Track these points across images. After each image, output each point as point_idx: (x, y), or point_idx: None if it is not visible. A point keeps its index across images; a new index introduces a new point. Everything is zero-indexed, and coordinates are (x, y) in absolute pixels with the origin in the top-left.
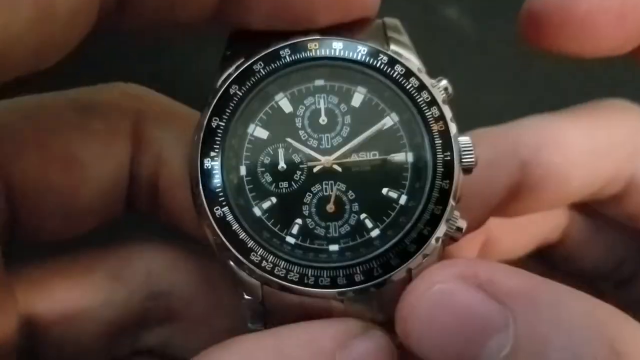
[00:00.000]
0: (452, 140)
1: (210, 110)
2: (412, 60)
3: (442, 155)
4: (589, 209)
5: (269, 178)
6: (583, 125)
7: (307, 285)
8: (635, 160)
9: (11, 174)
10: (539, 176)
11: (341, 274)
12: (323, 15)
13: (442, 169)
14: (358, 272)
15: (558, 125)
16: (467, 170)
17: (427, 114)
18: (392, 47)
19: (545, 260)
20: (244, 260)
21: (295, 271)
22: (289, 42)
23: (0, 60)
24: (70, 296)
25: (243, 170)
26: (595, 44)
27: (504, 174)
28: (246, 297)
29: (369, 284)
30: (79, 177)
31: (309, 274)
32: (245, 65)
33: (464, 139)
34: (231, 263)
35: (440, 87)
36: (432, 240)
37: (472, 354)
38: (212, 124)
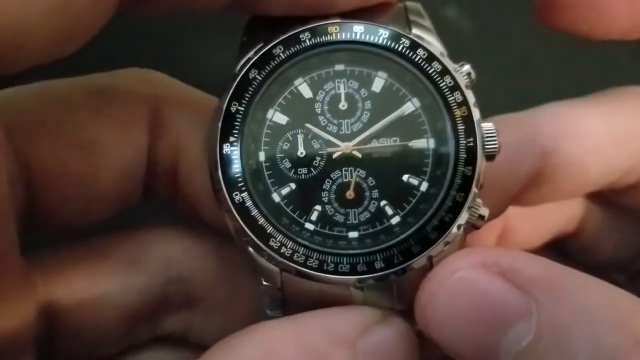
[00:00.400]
0: (475, 126)
1: (230, 94)
2: (435, 45)
3: (464, 141)
4: (605, 200)
5: (288, 164)
6: (603, 113)
7: (326, 271)
8: None
9: (29, 160)
10: (558, 165)
11: (361, 261)
12: (341, 5)
13: (464, 155)
14: (378, 259)
15: (578, 112)
16: (490, 157)
17: (449, 99)
18: (414, 30)
19: (561, 252)
20: (263, 246)
21: (314, 257)
22: (309, 26)
23: (20, 49)
24: (88, 282)
25: (262, 156)
26: (605, 26)
27: (525, 161)
28: (265, 283)
29: (389, 271)
30: (97, 162)
31: (329, 261)
32: (265, 49)
33: (488, 125)
34: (250, 249)
35: (463, 72)
36: (454, 228)
37: (493, 343)
38: (232, 108)
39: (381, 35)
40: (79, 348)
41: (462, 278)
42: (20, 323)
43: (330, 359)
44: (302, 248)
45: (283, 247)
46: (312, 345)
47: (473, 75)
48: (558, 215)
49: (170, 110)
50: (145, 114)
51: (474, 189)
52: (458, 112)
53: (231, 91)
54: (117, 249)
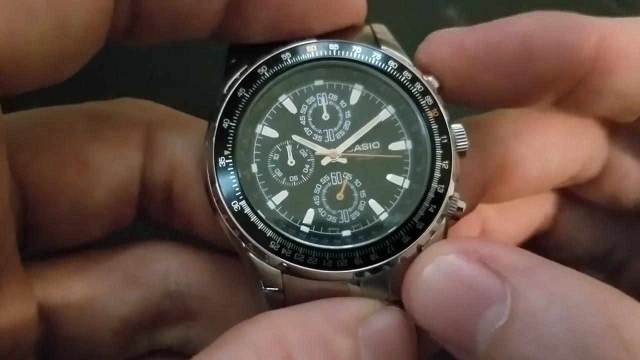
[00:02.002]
0: (447, 125)
1: (221, 112)
2: (403, 58)
3: (439, 139)
4: (575, 197)
5: (279, 173)
6: (558, 114)
7: (325, 267)
8: (610, 143)
9: (26, 177)
10: (521, 156)
11: (357, 255)
12: (317, 25)
13: (440, 151)
14: (373, 251)
15: (536, 114)
16: (461, 154)
17: (422, 103)
18: (383, 47)
19: (538, 249)
20: (264, 250)
21: (313, 255)
22: (289, 47)
23: (17, 70)
24: (85, 293)
25: (254, 168)
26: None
27: (491, 157)
28: (266, 288)
29: (384, 262)
30: (92, 180)
31: (327, 257)
32: (251, 69)
33: (457, 126)
34: (251, 254)
35: (429, 80)
36: (437, 217)
37: (470, 324)
38: (224, 125)
39: (355, 50)
40: (75, 358)
41: (443, 261)
42: (21, 328)
43: (334, 345)
44: (301, 247)
45: (283, 249)
46: (317, 332)
47: (436, 84)
48: (533, 214)
49: (163, 133)
50: (139, 137)
51: (452, 181)
52: (430, 114)
53: (222, 109)
54: (115, 261)
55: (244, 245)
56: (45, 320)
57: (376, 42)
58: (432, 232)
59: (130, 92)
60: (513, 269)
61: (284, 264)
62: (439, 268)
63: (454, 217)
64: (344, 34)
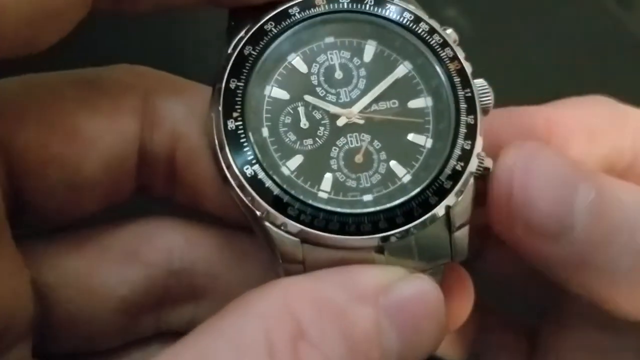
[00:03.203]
0: (470, 78)
1: (227, 72)
2: (418, 10)
3: (462, 92)
4: None
5: (292, 137)
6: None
7: (348, 233)
8: None
9: (12, 148)
10: None
11: (382, 217)
12: None
13: (465, 105)
14: (399, 214)
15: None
16: (485, 110)
17: (442, 55)
18: (396, 1)
19: None
20: (282, 216)
21: (335, 220)
22: (297, 1)
23: None
24: (82, 271)
25: (265, 132)
26: None
27: None
28: (284, 263)
29: (411, 225)
30: (82, 150)
31: (350, 222)
32: (257, 25)
33: (480, 81)
34: (267, 224)
35: (449, 33)
36: (466, 174)
37: (569, 198)
38: (231, 85)
39: (367, 2)
40: (74, 339)
41: (534, 145)
42: (13, 306)
43: (350, 315)
44: (322, 212)
45: (302, 214)
46: (330, 301)
47: (456, 37)
48: None
49: (162, 100)
50: (135, 105)
51: (479, 136)
52: (452, 66)
53: (229, 68)
54: (113, 238)
55: (258, 214)
56: (41, 299)
57: None
58: (461, 192)
59: (124, 61)
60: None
61: (304, 231)
62: (533, 149)
63: (482, 177)
64: None
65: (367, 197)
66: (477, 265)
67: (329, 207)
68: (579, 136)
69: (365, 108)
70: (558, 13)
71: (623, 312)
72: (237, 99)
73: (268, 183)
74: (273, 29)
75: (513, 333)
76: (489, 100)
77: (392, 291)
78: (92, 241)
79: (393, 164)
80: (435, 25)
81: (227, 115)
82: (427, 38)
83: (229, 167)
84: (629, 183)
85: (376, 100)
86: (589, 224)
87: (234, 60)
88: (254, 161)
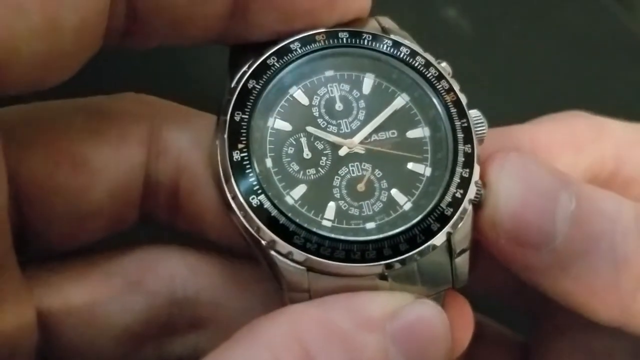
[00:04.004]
0: (466, 109)
1: (232, 105)
2: (414, 45)
3: (459, 122)
4: None
5: (295, 167)
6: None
7: (354, 260)
8: None
9: (18, 175)
10: None
11: (386, 245)
12: (323, 20)
13: (462, 135)
14: (402, 241)
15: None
16: (480, 140)
17: (438, 87)
18: (392, 36)
19: None
20: (288, 245)
21: (340, 248)
22: (298, 37)
23: (5, 69)
24: (85, 299)
25: (269, 162)
26: None
27: None
28: (289, 291)
29: (414, 251)
30: (88, 179)
31: (355, 249)
32: (260, 60)
33: (474, 112)
34: (273, 253)
35: (443, 66)
36: (466, 201)
37: (550, 208)
38: (236, 117)
39: (365, 38)
40: None
41: (517, 157)
42: (19, 334)
43: (358, 342)
44: (327, 240)
45: (308, 243)
46: (337, 328)
47: (449, 70)
48: None
49: (168, 129)
50: (142, 134)
51: (477, 164)
52: (448, 98)
53: (233, 101)
54: (116, 266)
55: (264, 243)
56: (44, 327)
57: (384, 31)
58: (461, 219)
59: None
60: (557, 170)
61: (310, 259)
62: (518, 159)
63: (478, 204)
64: (349, 27)
65: (370, 225)
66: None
67: (333, 235)
68: (565, 149)
69: (366, 138)
70: (558, 13)
71: (603, 319)
72: (242, 130)
73: (274, 212)
74: (275, 63)
75: (505, 346)
76: (483, 130)
77: (399, 317)
78: (95, 269)
79: (394, 192)
80: (431, 58)
81: (233, 147)
82: (423, 71)
83: (234, 197)
84: (610, 192)
85: (376, 130)
86: (570, 234)
87: (238, 94)
88: (259, 191)
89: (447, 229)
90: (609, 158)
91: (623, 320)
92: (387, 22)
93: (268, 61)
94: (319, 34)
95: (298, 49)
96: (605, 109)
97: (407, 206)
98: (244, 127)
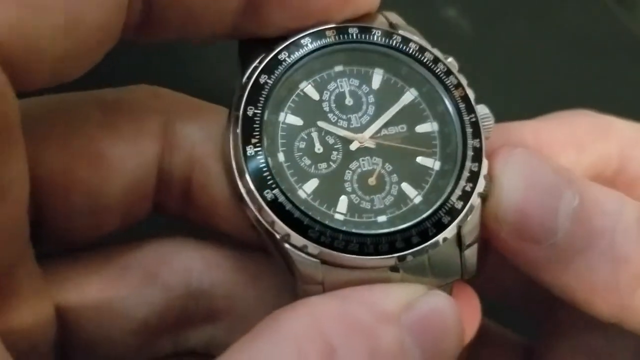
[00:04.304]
0: (474, 104)
1: (244, 99)
2: (422, 41)
3: (467, 117)
4: None
5: (307, 161)
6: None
7: (367, 254)
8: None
9: (35, 169)
10: None
11: (399, 238)
12: (335, 17)
13: (470, 130)
14: (414, 234)
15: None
16: (486, 136)
17: (447, 82)
18: (400, 32)
19: None
20: (303, 238)
21: (354, 241)
22: (308, 32)
23: (27, 66)
24: (102, 293)
25: (281, 157)
26: None
27: None
28: (303, 285)
29: (426, 244)
30: (105, 173)
31: (368, 242)
32: (271, 55)
33: (481, 107)
34: (287, 246)
35: (450, 61)
36: (475, 195)
37: (553, 204)
38: (248, 112)
39: (375, 33)
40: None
41: (522, 152)
42: (38, 328)
43: (376, 334)
44: (341, 234)
45: (322, 236)
46: (356, 320)
47: (456, 65)
48: None
49: (182, 123)
50: (156, 127)
51: (485, 159)
52: (456, 93)
53: (245, 96)
54: (133, 260)
55: (278, 236)
56: (62, 322)
57: (392, 26)
58: (470, 212)
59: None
60: (562, 167)
61: (324, 252)
62: (521, 155)
63: (485, 198)
64: (358, 22)
65: (382, 218)
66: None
67: (346, 229)
68: (567, 147)
69: (376, 133)
70: (558, 13)
71: (602, 315)
72: (255, 125)
73: (288, 206)
74: (287, 58)
75: (507, 347)
76: (490, 125)
77: (413, 308)
78: (111, 262)
79: (404, 185)
80: (439, 54)
81: (246, 142)
82: (432, 66)
83: (248, 191)
84: (613, 191)
85: (385, 125)
86: (571, 230)
87: (250, 89)
88: (273, 185)
89: (457, 222)
90: (614, 157)
91: (622, 316)
92: (394, 17)
93: (279, 56)
94: (329, 29)
95: (308, 44)
96: (605, 109)
97: (417, 199)
98: (257, 122)
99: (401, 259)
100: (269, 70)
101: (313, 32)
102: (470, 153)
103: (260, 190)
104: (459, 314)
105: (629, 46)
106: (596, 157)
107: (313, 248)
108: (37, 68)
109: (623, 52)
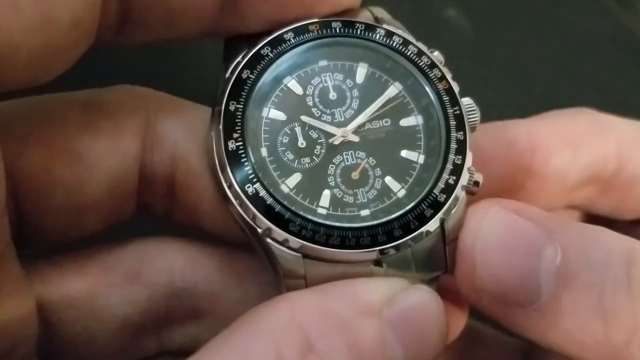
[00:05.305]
0: (458, 97)
1: (227, 95)
2: (406, 34)
3: (451, 110)
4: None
5: (290, 156)
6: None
7: (348, 247)
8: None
9: (15, 169)
10: (534, 174)
11: (380, 231)
12: (316, 10)
13: (454, 122)
14: (396, 227)
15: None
16: (472, 128)
17: (430, 75)
18: (385, 26)
19: None
20: (284, 232)
21: (335, 235)
22: (291, 27)
23: (4, 65)
24: (85, 292)
25: (264, 152)
26: None
27: (499, 166)
28: (285, 279)
29: (408, 237)
30: (84, 172)
31: (350, 236)
32: (254, 50)
33: (467, 100)
34: (268, 240)
35: (435, 54)
36: (458, 188)
37: (534, 268)
38: (230, 107)
39: (358, 27)
40: (78, 359)
41: (496, 212)
42: (20, 326)
43: (355, 328)
44: (322, 227)
45: (303, 230)
46: (336, 314)
47: (442, 58)
48: None
49: (163, 121)
50: (136, 126)
51: (469, 151)
52: (440, 86)
53: (227, 91)
54: (116, 258)
55: (259, 231)
56: (44, 319)
57: (377, 21)
58: (454, 205)
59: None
60: (545, 218)
61: (305, 246)
62: (495, 218)
63: (471, 192)
64: (342, 17)
65: (365, 212)
66: None
67: (328, 222)
68: (563, 146)
69: (360, 127)
70: (558, 13)
71: None
72: (236, 120)
73: (269, 200)
74: (269, 53)
75: (504, 351)
76: (475, 117)
77: (395, 303)
78: (94, 262)
79: (388, 179)
80: (423, 47)
81: (228, 136)
82: (415, 60)
83: (230, 186)
84: (601, 230)
85: (370, 119)
86: (555, 291)
87: (232, 84)
88: (255, 180)
89: (440, 215)
90: (612, 156)
91: None
92: (379, 12)
93: (262, 51)
94: (312, 24)
95: (292, 39)
96: (605, 109)
97: (401, 193)
98: (239, 116)
99: (383, 252)
100: (251, 65)
101: (296, 27)
102: (453, 146)
103: (242, 185)
104: (442, 309)
105: (629, 46)
106: (593, 156)
107: (294, 242)
108: (11, 66)
109: (623, 52)
